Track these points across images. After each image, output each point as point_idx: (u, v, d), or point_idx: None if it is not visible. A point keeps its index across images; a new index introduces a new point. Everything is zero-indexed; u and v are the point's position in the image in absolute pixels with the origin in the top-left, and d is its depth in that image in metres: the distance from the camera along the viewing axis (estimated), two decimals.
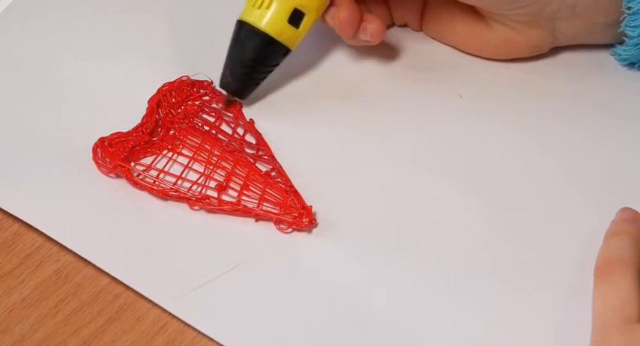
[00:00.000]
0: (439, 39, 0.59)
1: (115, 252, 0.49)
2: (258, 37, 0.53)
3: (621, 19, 0.54)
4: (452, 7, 0.57)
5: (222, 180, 0.51)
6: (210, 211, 0.50)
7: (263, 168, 0.52)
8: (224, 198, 0.50)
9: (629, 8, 0.53)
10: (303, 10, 0.53)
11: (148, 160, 0.53)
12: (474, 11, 0.56)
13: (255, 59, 0.53)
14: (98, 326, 0.46)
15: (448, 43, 0.58)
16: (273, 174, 0.51)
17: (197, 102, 0.55)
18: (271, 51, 0.53)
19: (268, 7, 0.52)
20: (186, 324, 0.46)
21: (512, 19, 0.55)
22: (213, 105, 0.55)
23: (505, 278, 0.47)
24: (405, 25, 0.59)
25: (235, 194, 0.51)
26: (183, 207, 0.51)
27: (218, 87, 0.55)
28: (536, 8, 0.53)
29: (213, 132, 0.54)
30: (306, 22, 0.53)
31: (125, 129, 0.54)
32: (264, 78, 0.55)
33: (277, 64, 0.54)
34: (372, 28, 0.54)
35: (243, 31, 0.53)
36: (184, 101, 0.55)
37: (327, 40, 0.58)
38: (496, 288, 0.47)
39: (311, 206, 0.49)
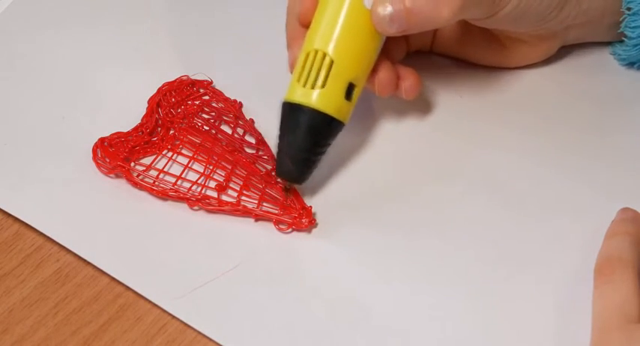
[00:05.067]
0: (450, 56, 0.58)
1: (114, 252, 0.49)
2: (319, 118, 0.49)
3: (621, 19, 0.54)
4: (463, 31, 0.56)
5: (222, 181, 0.51)
6: (210, 211, 0.50)
7: (263, 168, 0.52)
8: (224, 198, 0.50)
9: (629, 9, 0.53)
10: (355, 83, 0.50)
11: (147, 160, 0.53)
12: (486, 32, 0.55)
13: (316, 142, 0.49)
14: (98, 326, 0.46)
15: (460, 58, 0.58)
16: (273, 174, 0.51)
17: (197, 102, 0.55)
18: (332, 129, 0.50)
19: (323, 85, 0.48)
20: (186, 324, 0.46)
21: (529, 35, 0.54)
22: (213, 105, 0.55)
23: (505, 278, 0.47)
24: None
25: (235, 194, 0.51)
26: (183, 207, 0.50)
27: (276, 175, 0.51)
28: (557, 23, 0.53)
29: (213, 132, 0.54)
30: (356, 93, 0.50)
31: (125, 129, 0.54)
32: (322, 158, 0.50)
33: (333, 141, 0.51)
34: (407, 85, 0.52)
35: (300, 113, 0.49)
36: (184, 101, 0.55)
37: None
38: (496, 288, 0.47)
39: (311, 206, 0.49)
